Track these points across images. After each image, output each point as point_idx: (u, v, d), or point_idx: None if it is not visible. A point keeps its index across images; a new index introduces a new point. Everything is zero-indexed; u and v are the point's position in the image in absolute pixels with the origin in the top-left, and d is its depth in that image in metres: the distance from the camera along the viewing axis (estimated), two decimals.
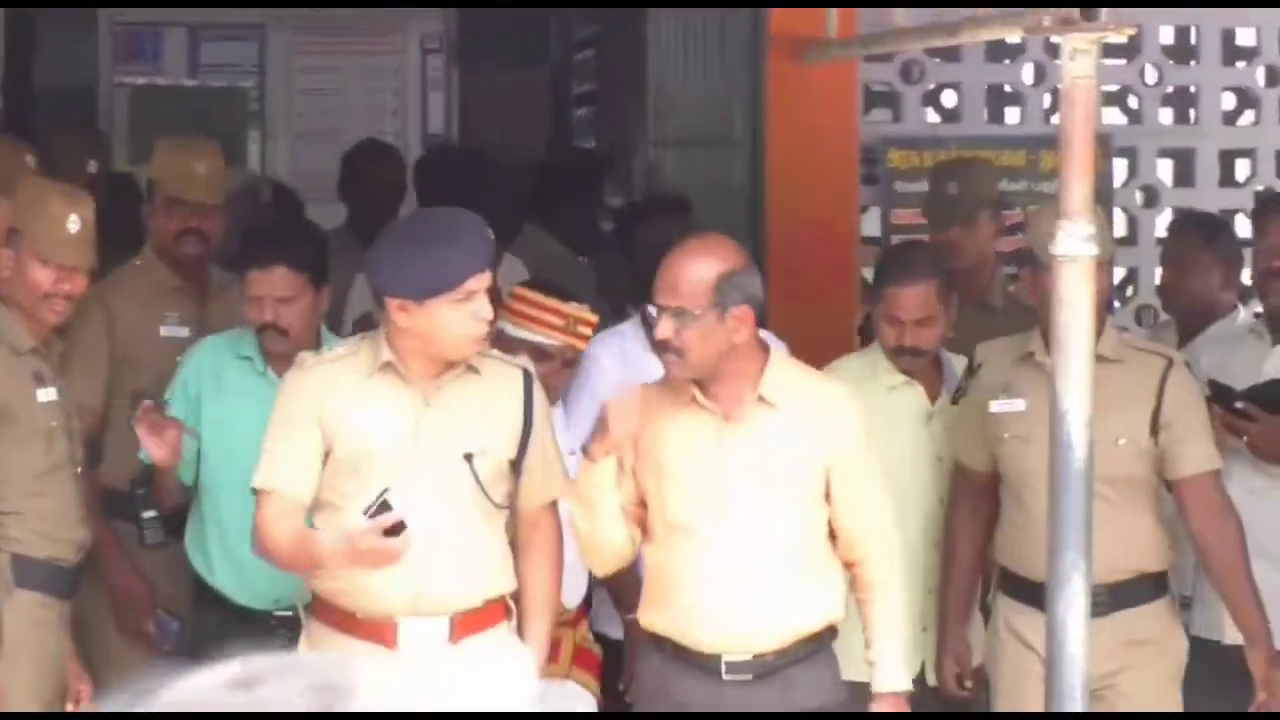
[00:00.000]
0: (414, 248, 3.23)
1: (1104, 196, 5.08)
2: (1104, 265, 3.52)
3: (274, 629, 3.71)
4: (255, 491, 3.24)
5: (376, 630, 3.23)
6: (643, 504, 3.38)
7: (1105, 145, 4.99)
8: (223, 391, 3.76)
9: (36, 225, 3.77)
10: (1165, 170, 5.46)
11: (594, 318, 3.88)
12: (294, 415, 3.26)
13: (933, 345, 3.77)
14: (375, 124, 6.63)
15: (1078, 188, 3.23)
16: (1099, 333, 3.56)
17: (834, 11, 4.56)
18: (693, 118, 5.31)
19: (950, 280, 3.91)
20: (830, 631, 3.38)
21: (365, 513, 3.10)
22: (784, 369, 3.40)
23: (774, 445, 3.34)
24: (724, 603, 3.30)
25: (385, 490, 3.07)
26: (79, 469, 3.75)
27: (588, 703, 3.68)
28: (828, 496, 3.35)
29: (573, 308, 3.84)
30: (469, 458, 3.22)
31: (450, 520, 3.21)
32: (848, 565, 3.39)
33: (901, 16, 4.24)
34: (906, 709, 3.40)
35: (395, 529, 2.96)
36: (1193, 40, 5.39)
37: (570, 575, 3.58)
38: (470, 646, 3.22)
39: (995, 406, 3.82)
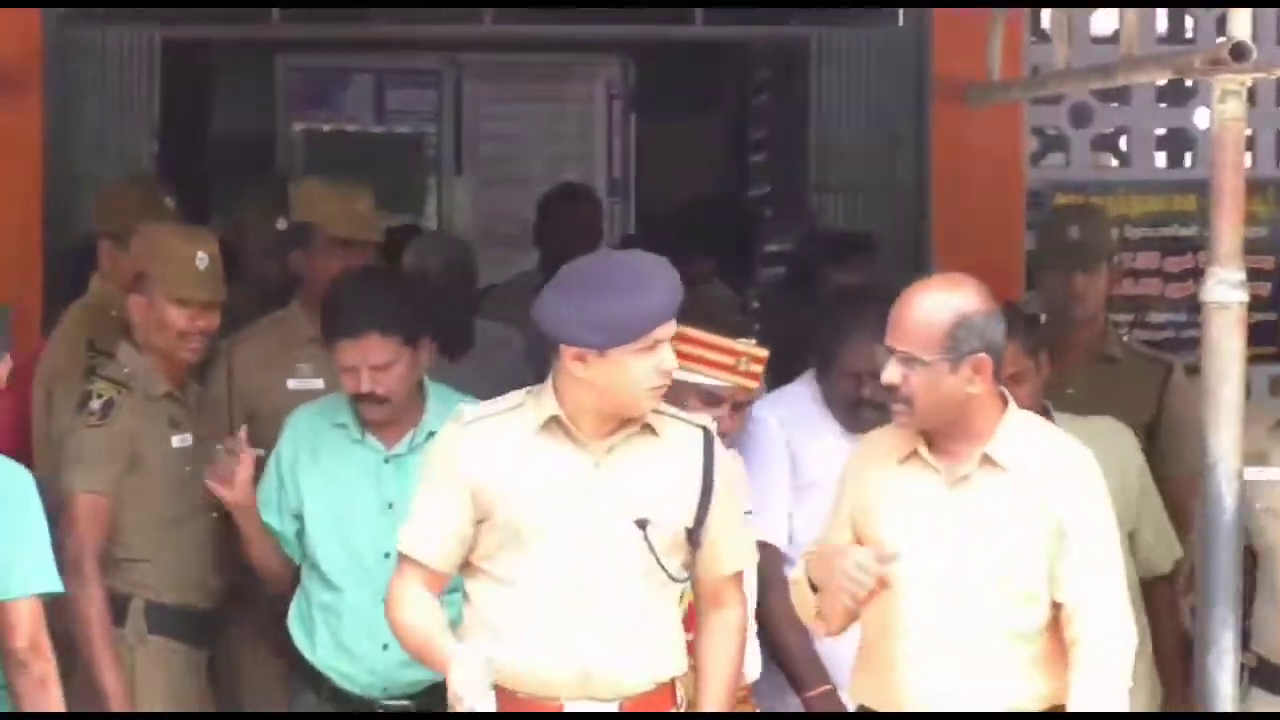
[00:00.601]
0: (600, 293, 2.98)
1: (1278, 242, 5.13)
2: None
3: None
4: (400, 555, 3.05)
5: (538, 713, 3.08)
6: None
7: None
8: (319, 463, 3.62)
9: (164, 267, 3.77)
10: None
11: (765, 354, 3.60)
12: (445, 475, 3.05)
13: (1024, 405, 3.50)
14: (558, 170, 6.75)
15: (1227, 232, 3.14)
16: None
17: (998, 52, 4.50)
18: (857, 162, 5.35)
19: (1064, 331, 3.87)
20: None
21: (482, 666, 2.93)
22: (1021, 427, 3.12)
23: (1007, 513, 3.07)
24: (941, 688, 3.06)
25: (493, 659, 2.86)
26: (215, 514, 3.71)
27: None
28: (1054, 573, 3.08)
29: (743, 345, 3.57)
30: (643, 525, 2.99)
31: (622, 595, 3.00)
32: (1070, 646, 3.07)
33: (1062, 58, 4.25)
34: None
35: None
36: None
37: (748, 646, 3.42)
38: None
39: (1248, 475, 3.61)
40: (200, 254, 3.77)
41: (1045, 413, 3.58)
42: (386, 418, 3.47)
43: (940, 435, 2.99)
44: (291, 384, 3.99)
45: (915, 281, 3.05)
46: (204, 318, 3.73)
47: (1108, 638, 2.98)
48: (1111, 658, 2.97)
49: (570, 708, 2.92)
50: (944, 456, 2.98)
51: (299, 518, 3.54)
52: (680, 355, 3.30)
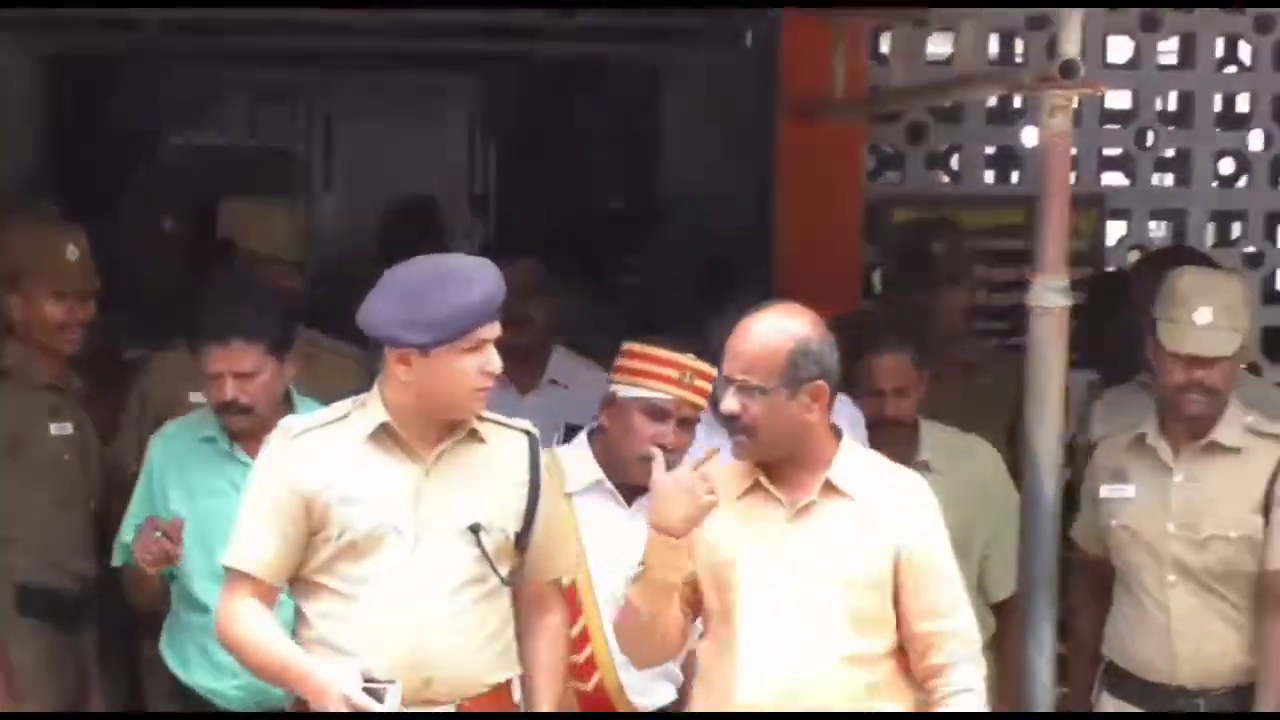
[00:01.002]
0: (420, 293, 2.98)
1: (1097, 255, 5.40)
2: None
3: None
4: (228, 570, 3.03)
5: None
6: (697, 590, 3.17)
7: (1101, 205, 5.35)
8: (187, 478, 3.60)
9: (37, 262, 3.87)
10: (1160, 231, 5.82)
11: (712, 370, 3.47)
12: (273, 488, 3.03)
13: (907, 418, 3.76)
14: (423, 187, 6.82)
15: (1052, 241, 3.31)
16: (1219, 417, 3.65)
17: (841, 71, 4.76)
18: (706, 175, 5.50)
19: (927, 344, 3.95)
20: None
21: (364, 682, 2.89)
22: (858, 455, 3.16)
23: (844, 541, 3.07)
24: (782, 706, 3.07)
25: (393, 683, 2.86)
26: (92, 504, 3.82)
27: None
28: (898, 599, 3.08)
29: (690, 359, 3.51)
30: (475, 530, 3.01)
31: (458, 600, 3.03)
32: (922, 680, 3.09)
33: (901, 77, 4.50)
34: None
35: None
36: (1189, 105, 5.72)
37: (659, 676, 3.48)
38: None
39: (1105, 492, 3.80)
40: (70, 246, 3.84)
41: (916, 425, 3.74)
42: (252, 428, 3.43)
43: (781, 465, 3.00)
44: (194, 397, 3.94)
45: (750, 313, 3.06)
46: (81, 309, 3.81)
47: (960, 669, 3.01)
48: (964, 688, 3.02)
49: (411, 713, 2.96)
50: (785, 486, 2.99)
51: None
52: (624, 371, 3.46)
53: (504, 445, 3.05)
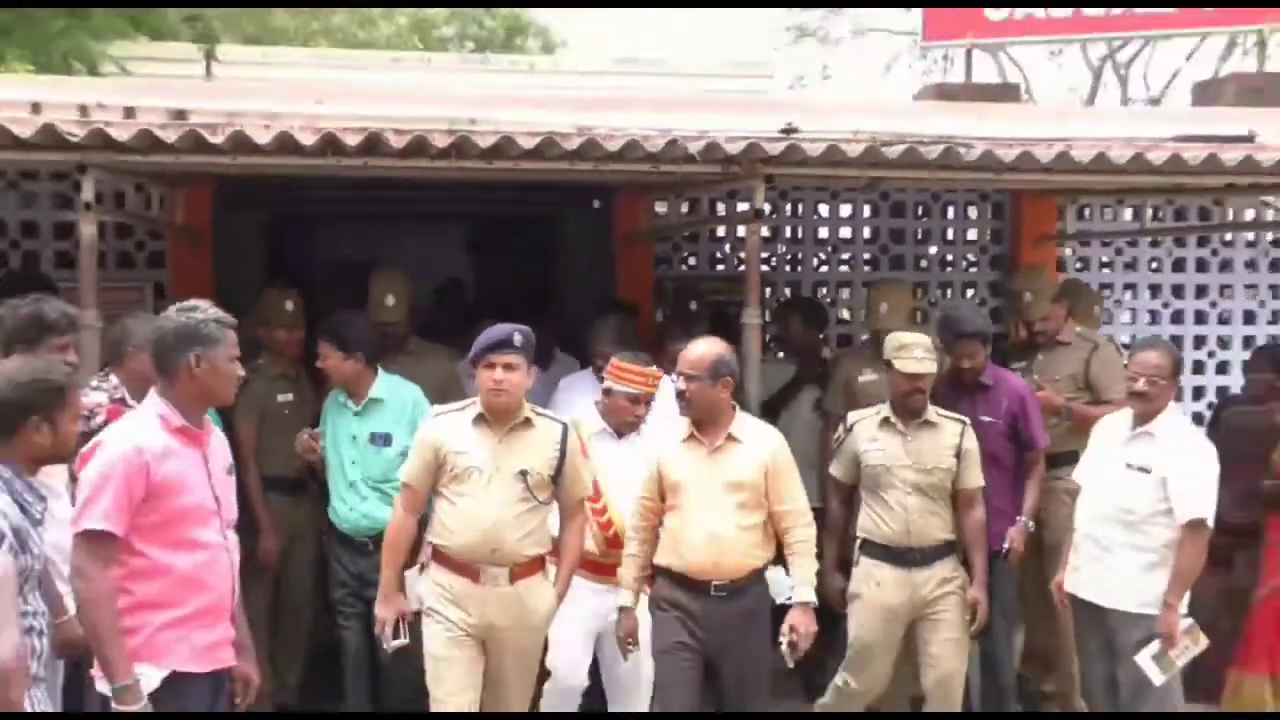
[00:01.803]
0: (475, 340, 4.30)
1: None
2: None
3: (370, 549, 5.12)
4: (403, 485, 4.43)
5: (468, 570, 4.29)
6: (662, 496, 4.52)
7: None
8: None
9: (273, 312, 5.54)
10: None
11: (661, 374, 4.82)
12: (422, 443, 4.35)
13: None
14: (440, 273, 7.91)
15: (752, 292, 5.17)
16: (926, 406, 4.97)
17: (644, 220, 6.93)
18: (581, 269, 7.58)
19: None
20: (764, 568, 4.46)
21: (395, 636, 4.39)
22: (744, 418, 4.45)
23: (738, 465, 4.38)
24: (708, 553, 4.35)
25: (405, 640, 4.37)
26: (305, 434, 5.34)
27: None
28: (767, 494, 4.39)
29: (652, 370, 4.77)
30: (523, 474, 4.25)
31: (512, 511, 4.23)
32: (779, 532, 4.46)
33: (672, 219, 7.01)
34: (812, 615, 4.41)
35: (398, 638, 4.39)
36: None
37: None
38: (521, 584, 4.31)
39: (865, 445, 5.07)
40: (288, 303, 5.72)
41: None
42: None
43: (704, 423, 4.39)
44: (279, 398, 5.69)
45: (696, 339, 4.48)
46: (295, 335, 5.59)
47: (801, 530, 4.45)
48: (799, 539, 4.44)
49: (484, 569, 4.28)
50: (707, 435, 4.38)
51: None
52: (617, 376, 4.76)
53: (546, 428, 4.33)
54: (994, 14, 9.66)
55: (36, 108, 5.34)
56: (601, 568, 4.59)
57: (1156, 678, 4.57)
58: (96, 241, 5.04)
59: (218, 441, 3.76)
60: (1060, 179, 5.81)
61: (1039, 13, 9.69)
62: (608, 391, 4.68)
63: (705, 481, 4.27)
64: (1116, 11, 9.61)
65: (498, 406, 4.13)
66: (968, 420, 4.97)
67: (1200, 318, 7.96)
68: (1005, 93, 10.35)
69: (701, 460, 4.29)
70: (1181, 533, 4.51)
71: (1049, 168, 5.41)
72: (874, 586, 4.90)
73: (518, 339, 4.14)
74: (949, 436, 4.89)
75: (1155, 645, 4.56)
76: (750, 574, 4.30)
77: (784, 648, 4.28)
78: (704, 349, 4.29)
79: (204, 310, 3.60)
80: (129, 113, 5.38)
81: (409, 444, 4.55)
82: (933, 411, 4.92)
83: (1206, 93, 9.40)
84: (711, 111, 5.97)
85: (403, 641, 4.20)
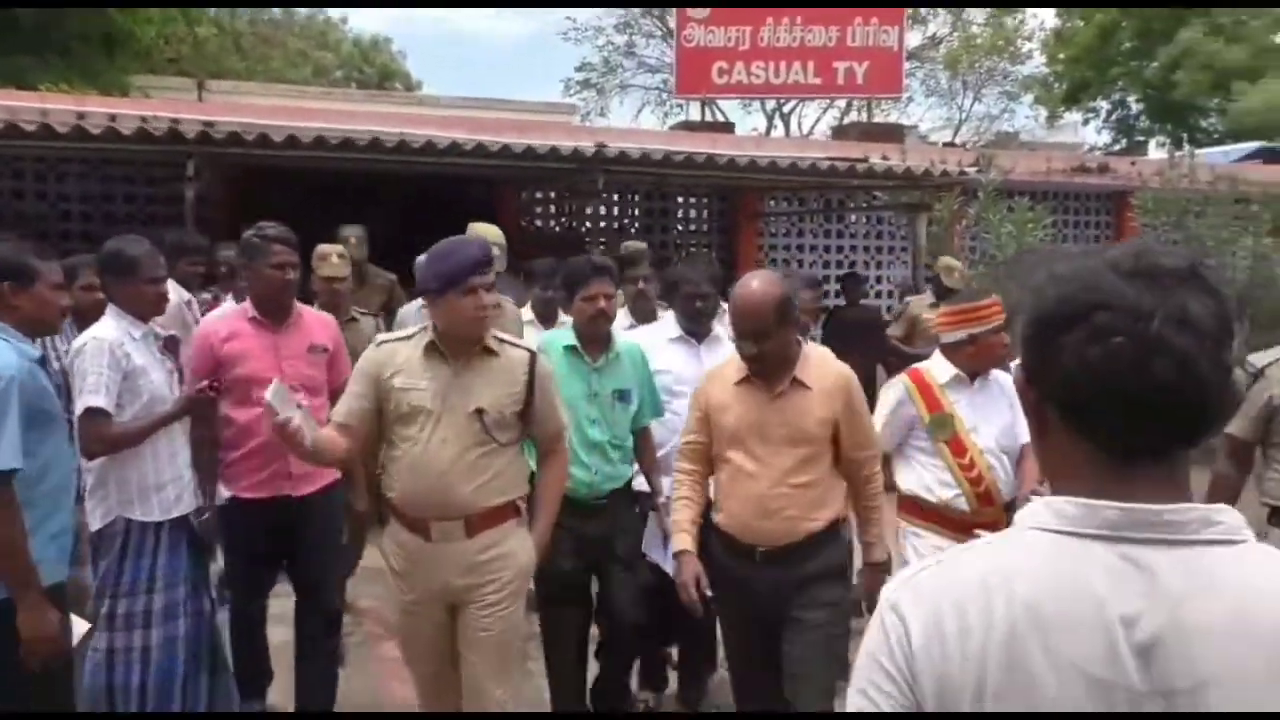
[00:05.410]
0: (434, 258, 3.54)
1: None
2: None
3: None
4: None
5: (419, 525, 3.67)
6: (710, 446, 3.90)
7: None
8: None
9: (318, 264, 5.85)
10: None
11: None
12: (361, 375, 3.71)
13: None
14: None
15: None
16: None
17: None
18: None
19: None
20: (825, 530, 3.77)
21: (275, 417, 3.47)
22: (810, 355, 3.75)
23: (803, 414, 3.74)
24: (755, 514, 3.76)
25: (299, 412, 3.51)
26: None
27: None
28: (835, 440, 3.75)
29: (990, 298, 4.39)
30: (479, 413, 3.58)
31: (466, 455, 3.58)
32: (851, 480, 3.85)
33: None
34: (882, 579, 3.80)
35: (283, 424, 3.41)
36: None
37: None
38: (484, 537, 3.65)
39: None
40: (334, 255, 5.95)
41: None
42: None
43: (764, 368, 3.74)
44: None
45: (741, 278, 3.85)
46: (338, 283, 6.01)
47: (874, 479, 3.90)
48: (877, 488, 3.90)
49: (434, 524, 3.63)
50: (768, 380, 3.73)
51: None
52: (972, 318, 4.29)
53: (510, 357, 3.67)
54: (718, 79, 14.89)
55: (142, 119, 8.69)
56: (968, 526, 4.02)
57: None
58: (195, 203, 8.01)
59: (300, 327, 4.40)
60: (757, 178, 9.88)
61: (744, 79, 15.10)
62: (972, 339, 4.22)
63: (762, 433, 3.73)
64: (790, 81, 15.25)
65: (478, 335, 3.61)
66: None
67: (833, 265, 12.47)
68: (725, 127, 15.53)
69: (760, 407, 3.75)
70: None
71: (746, 169, 9.35)
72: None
73: (495, 251, 3.73)
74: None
75: None
76: (806, 538, 3.72)
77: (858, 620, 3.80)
78: (761, 290, 3.64)
79: (262, 229, 4.29)
80: (175, 123, 8.42)
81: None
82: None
83: (839, 133, 14.95)
84: (545, 132, 9.25)
85: None
